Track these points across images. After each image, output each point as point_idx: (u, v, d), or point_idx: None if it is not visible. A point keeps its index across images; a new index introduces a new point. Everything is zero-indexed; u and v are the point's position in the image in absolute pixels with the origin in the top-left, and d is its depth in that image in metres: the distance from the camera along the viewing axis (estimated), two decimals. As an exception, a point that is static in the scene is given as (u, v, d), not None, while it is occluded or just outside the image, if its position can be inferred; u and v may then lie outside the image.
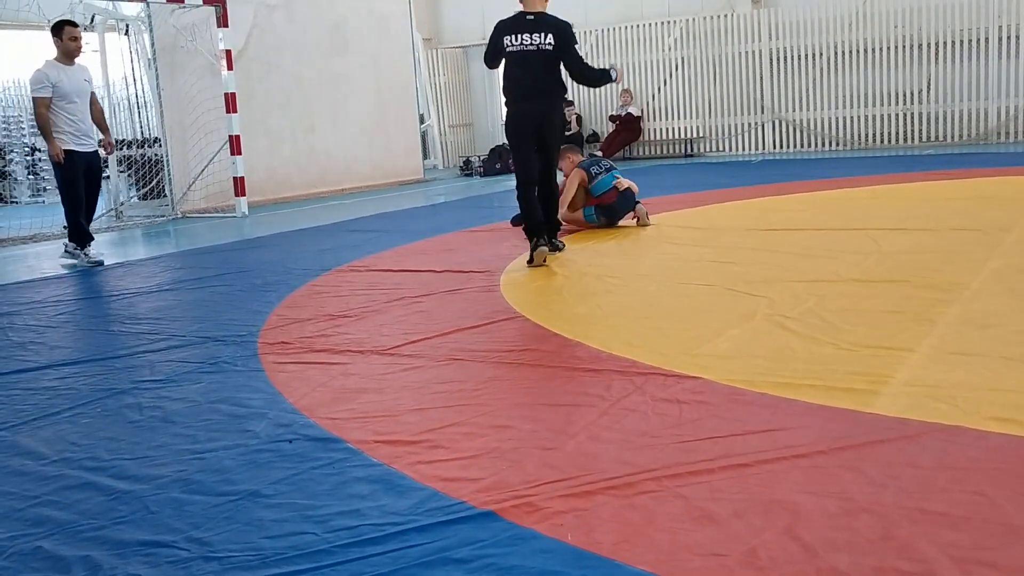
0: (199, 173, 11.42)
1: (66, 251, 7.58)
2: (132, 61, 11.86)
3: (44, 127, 7.18)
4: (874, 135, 14.97)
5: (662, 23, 16.31)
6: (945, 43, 14.12)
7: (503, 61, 6.24)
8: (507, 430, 2.91)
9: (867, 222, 6.69)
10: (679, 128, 16.45)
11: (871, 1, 14.55)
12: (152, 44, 11.21)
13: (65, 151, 7.20)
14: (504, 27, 6.18)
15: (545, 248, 6.03)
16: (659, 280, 5.25)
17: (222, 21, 10.95)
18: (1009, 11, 13.60)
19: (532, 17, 6.10)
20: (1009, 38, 13.70)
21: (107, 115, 9.48)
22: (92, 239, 7.69)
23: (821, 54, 15.04)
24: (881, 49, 14.61)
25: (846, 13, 14.73)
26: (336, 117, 13.85)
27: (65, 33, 7.30)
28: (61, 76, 7.20)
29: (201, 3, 10.84)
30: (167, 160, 11.30)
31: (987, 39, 13.84)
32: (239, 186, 11.02)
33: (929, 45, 14.24)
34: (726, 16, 15.75)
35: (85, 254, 7.50)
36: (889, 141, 14.85)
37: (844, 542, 2.03)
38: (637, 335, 4.02)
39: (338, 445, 2.89)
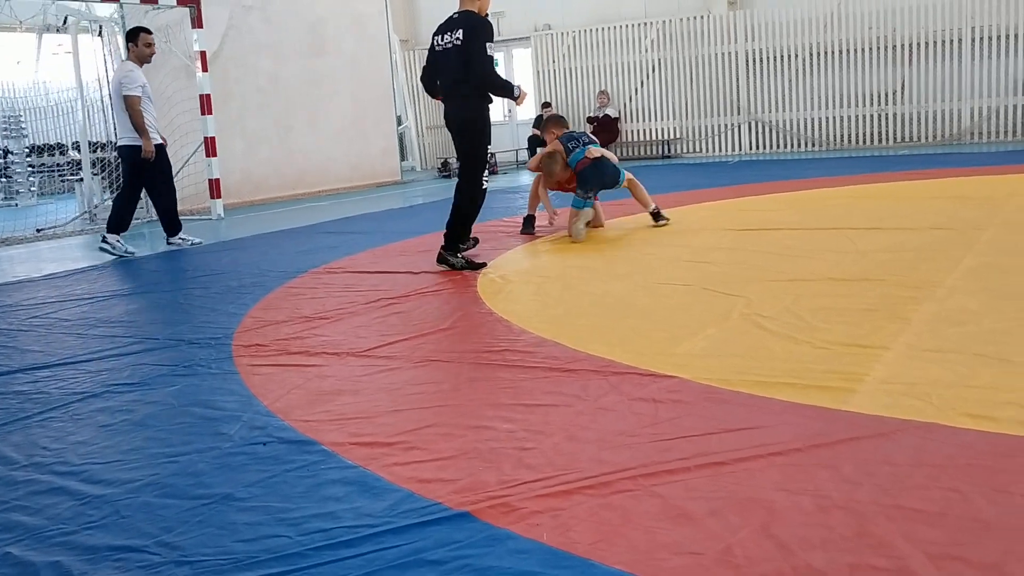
0: (174, 175, 11.30)
1: (105, 243, 7.92)
2: (106, 62, 11.75)
3: (141, 124, 7.78)
4: (849, 136, 15.09)
5: (639, 24, 16.37)
6: (919, 44, 14.26)
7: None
8: (484, 431, 2.89)
9: (843, 221, 6.73)
10: (657, 129, 16.51)
11: (846, 3, 14.66)
12: (126, 45, 11.09)
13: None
14: (436, 31, 6.07)
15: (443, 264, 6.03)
16: (636, 280, 5.25)
17: (197, 22, 10.87)
18: (981, 13, 13.75)
19: (456, 16, 5.96)
20: (982, 39, 13.85)
21: (81, 117, 9.37)
22: (181, 227, 8.46)
23: (796, 55, 15.15)
24: (856, 50, 14.74)
25: (821, 15, 14.84)
26: (313, 119, 13.79)
27: (141, 39, 8.00)
28: (144, 78, 7.93)
29: (175, 4, 10.76)
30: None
31: (960, 40, 13.99)
32: (215, 188, 10.94)
33: (903, 46, 14.38)
34: (702, 18, 15.83)
35: (178, 239, 8.29)
36: (864, 142, 14.97)
37: (820, 539, 2.03)
38: (614, 334, 4.02)
39: (313, 447, 2.87)
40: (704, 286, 4.85)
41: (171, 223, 8.38)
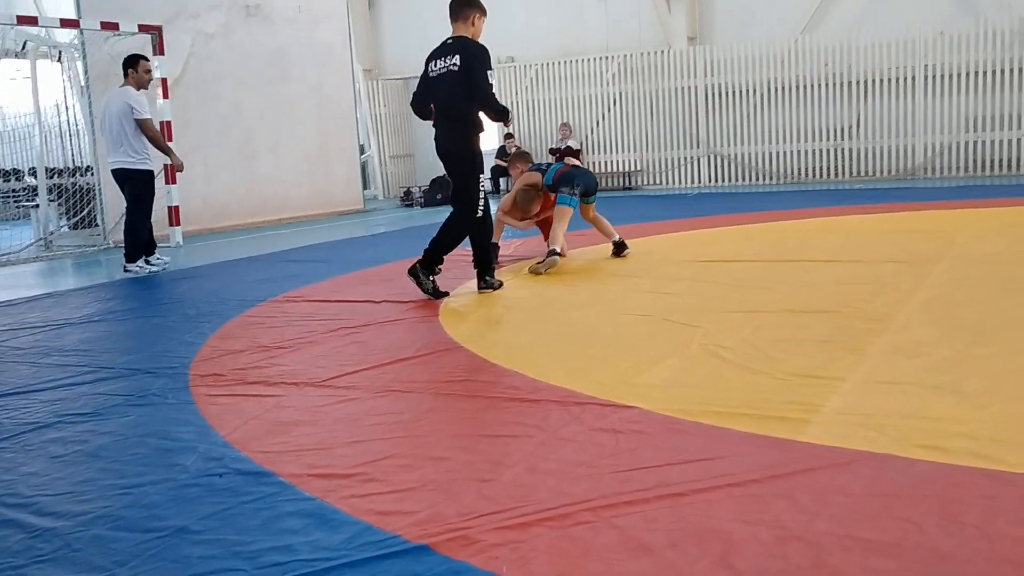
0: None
1: (129, 269, 8.19)
2: (64, 88, 11.65)
3: (163, 142, 8.14)
4: (806, 170, 15.34)
5: (601, 58, 16.55)
6: (874, 81, 14.57)
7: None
8: (444, 462, 2.88)
9: (800, 254, 6.83)
10: (618, 161, 16.67)
11: (802, 40, 14.96)
12: (85, 71, 11.02)
13: (150, 169, 8.14)
14: (430, 55, 6.07)
15: (488, 288, 6.09)
16: (598, 310, 5.28)
17: (158, 49, 10.81)
18: (934, 52, 14.09)
19: (451, 41, 5.97)
20: (935, 77, 14.18)
21: (38, 143, 9.30)
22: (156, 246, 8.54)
23: (755, 91, 15.40)
24: (812, 86, 15.02)
25: (778, 51, 15.12)
26: (276, 146, 13.75)
27: (140, 66, 8.19)
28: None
29: (137, 30, 10.70)
30: (99, 189, 11.07)
31: (914, 78, 14.31)
32: (174, 215, 10.83)
33: (858, 83, 14.68)
34: (663, 52, 16.05)
35: (148, 263, 8.25)
36: (820, 176, 15.22)
37: (777, 570, 2.04)
38: (575, 365, 4.03)
39: (270, 479, 2.83)
40: (664, 317, 4.88)
41: (134, 248, 8.29)
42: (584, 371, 3.89)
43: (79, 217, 11.52)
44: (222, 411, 3.63)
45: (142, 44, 10.99)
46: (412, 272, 6.05)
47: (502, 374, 3.93)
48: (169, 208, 10.82)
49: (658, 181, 16.46)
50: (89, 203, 11.34)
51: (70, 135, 11.69)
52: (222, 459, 3.04)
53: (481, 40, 6.00)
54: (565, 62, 16.87)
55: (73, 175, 11.63)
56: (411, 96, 6.33)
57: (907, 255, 6.43)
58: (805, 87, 15.08)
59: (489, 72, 5.82)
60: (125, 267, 8.26)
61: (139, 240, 8.25)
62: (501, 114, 5.94)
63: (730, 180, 15.94)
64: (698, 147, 16.05)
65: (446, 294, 6.05)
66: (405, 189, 16.81)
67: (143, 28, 10.71)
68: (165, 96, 10.80)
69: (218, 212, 12.75)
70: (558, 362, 4.10)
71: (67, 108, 11.75)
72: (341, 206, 14.88)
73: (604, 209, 7.75)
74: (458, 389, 3.73)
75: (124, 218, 8.34)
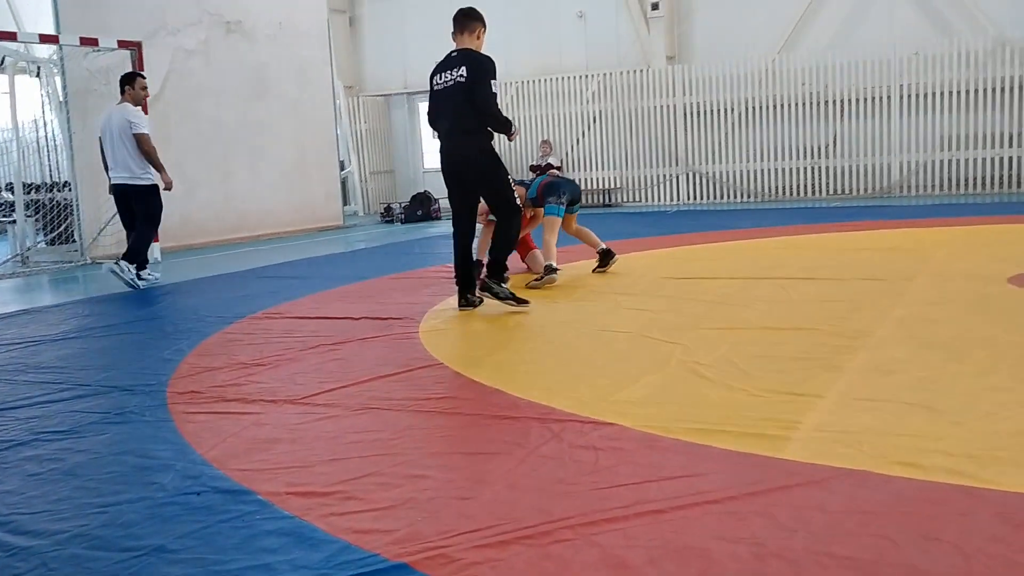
0: (111, 218, 11.13)
1: (139, 277, 8.26)
2: (43, 103, 11.59)
3: (158, 159, 8.19)
4: (783, 188, 15.46)
5: (581, 77, 16.65)
6: (850, 100, 14.73)
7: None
8: (423, 480, 2.87)
9: (777, 271, 6.88)
10: (597, 179, 16.74)
11: (779, 60, 15.11)
12: (64, 87, 10.97)
13: (153, 183, 8.30)
14: (435, 68, 6.04)
15: (468, 306, 6.06)
16: (577, 327, 5.29)
17: (138, 65, 10.78)
18: (909, 71, 14.27)
19: (456, 54, 5.94)
20: (910, 96, 14.36)
21: (15, 158, 9.26)
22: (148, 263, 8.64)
23: (733, 109, 15.53)
24: (789, 105, 15.16)
25: (756, 70, 15.26)
26: (255, 162, 13.72)
27: (138, 83, 8.36)
28: None
29: (116, 46, 10.67)
30: (77, 204, 11.00)
31: (889, 97, 14.48)
32: (152, 231, 10.76)
33: (835, 102, 14.84)
34: (642, 71, 16.17)
35: (141, 276, 8.30)
36: (798, 193, 15.35)
37: (755, 587, 2.05)
38: (555, 382, 4.04)
39: (248, 497, 2.82)
40: (643, 333, 4.91)
41: (139, 256, 8.38)
42: (564, 388, 3.90)
43: (56, 233, 11.43)
44: (200, 429, 3.61)
45: (121, 60, 10.97)
46: (484, 288, 5.99)
47: (482, 391, 3.93)
48: (147, 224, 10.76)
49: (638, 198, 16.54)
50: (66, 219, 11.26)
51: (48, 150, 11.60)
52: (200, 477, 3.03)
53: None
54: (545, 80, 16.95)
55: (51, 191, 11.54)
56: (426, 114, 6.26)
57: (883, 273, 6.49)
58: (782, 106, 15.22)
59: (492, 82, 5.80)
60: (116, 262, 8.21)
61: (143, 249, 8.39)
62: (504, 125, 5.88)
63: (709, 198, 16.04)
64: (677, 165, 16.15)
65: (527, 302, 6.01)
66: (385, 205, 16.81)
67: (122, 44, 10.69)
68: (144, 112, 10.74)
69: (197, 228, 12.70)
70: (538, 379, 4.11)
71: (45, 123, 11.68)
72: (321, 222, 14.85)
73: (585, 225, 7.77)
74: (438, 406, 3.73)
75: (134, 231, 8.45)
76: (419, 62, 18.63)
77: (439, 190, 17.80)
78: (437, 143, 6.16)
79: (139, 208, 8.33)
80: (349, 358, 4.77)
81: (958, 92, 14.04)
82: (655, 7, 15.87)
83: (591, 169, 16.78)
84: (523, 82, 17.11)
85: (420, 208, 15.87)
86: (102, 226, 11.11)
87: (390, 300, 6.66)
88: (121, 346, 5.57)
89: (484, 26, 6.07)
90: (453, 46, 6.06)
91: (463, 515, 2.56)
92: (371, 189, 18.99)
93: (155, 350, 5.32)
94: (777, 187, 15.50)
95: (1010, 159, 13.95)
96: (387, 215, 16.23)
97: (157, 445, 3.43)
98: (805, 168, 15.27)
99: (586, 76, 16.54)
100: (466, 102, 5.79)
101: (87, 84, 11.13)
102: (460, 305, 6.12)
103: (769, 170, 15.53)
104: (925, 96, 14.28)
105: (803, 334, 4.65)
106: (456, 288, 6.17)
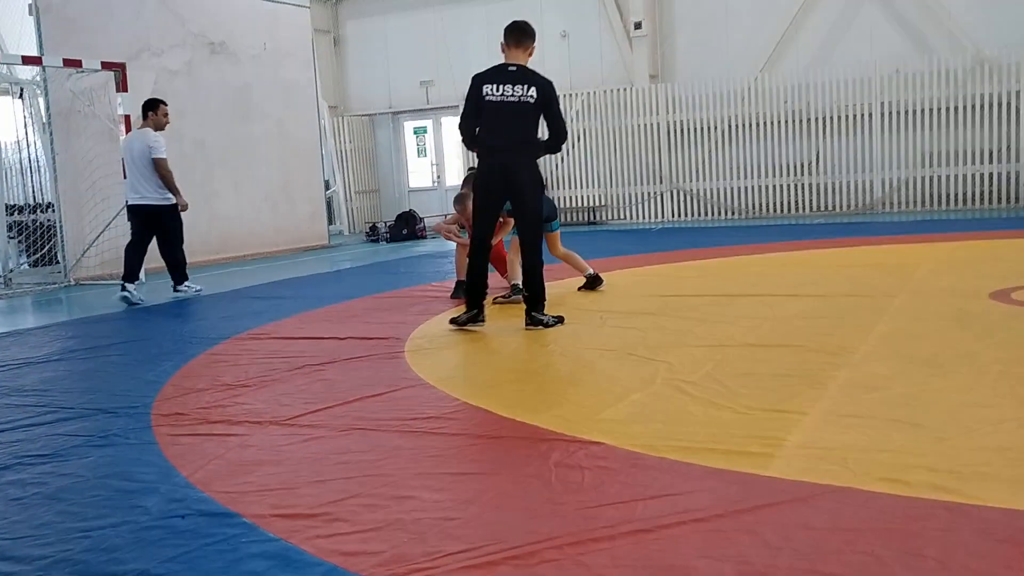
0: (94, 239, 11.10)
1: (176, 289, 8.93)
2: (26, 125, 11.57)
3: (173, 182, 8.58)
4: (767, 205, 15.55)
5: (564, 95, 16.69)
6: (832, 118, 14.85)
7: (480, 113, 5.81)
8: (409, 501, 2.87)
9: (761, 288, 6.91)
10: (582, 196, 16.79)
11: (761, 78, 15.23)
12: (47, 108, 10.95)
13: (173, 203, 8.72)
14: (484, 77, 5.80)
15: (479, 323, 5.94)
16: (562, 345, 5.30)
17: (121, 86, 10.77)
18: (890, 89, 14.41)
19: (515, 68, 5.79)
20: (891, 114, 14.50)
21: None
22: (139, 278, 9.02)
23: (716, 127, 15.63)
24: (772, 123, 15.27)
25: (739, 88, 15.38)
26: (239, 183, 13.70)
27: (160, 110, 8.77)
28: None
29: (100, 68, 10.66)
30: (60, 226, 10.96)
31: (871, 115, 14.61)
32: (136, 252, 10.72)
33: (817, 120, 14.96)
34: (625, 90, 16.26)
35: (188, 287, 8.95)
36: (781, 211, 15.44)
37: (742, 606, 2.05)
38: (540, 401, 4.04)
39: (234, 520, 2.80)
40: (628, 351, 4.92)
41: (180, 271, 8.97)
42: (549, 407, 3.90)
43: (39, 254, 11.38)
44: (184, 451, 3.59)
45: (105, 81, 10.96)
46: (533, 322, 5.88)
47: (468, 411, 3.93)
48: (131, 245, 10.72)
49: (622, 216, 16.60)
50: (50, 240, 11.21)
51: (31, 171, 11.56)
52: (184, 500, 3.01)
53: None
54: (529, 99, 17.01)
55: (34, 212, 11.50)
56: (461, 116, 5.91)
57: (866, 289, 6.53)
58: (765, 124, 15.33)
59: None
60: (175, 288, 8.93)
61: (182, 263, 8.96)
62: (559, 149, 6.13)
63: (693, 215, 16.12)
64: (661, 183, 16.23)
65: (562, 317, 5.99)
66: (371, 224, 16.81)
67: (106, 65, 10.68)
68: (128, 133, 10.73)
69: (181, 249, 12.64)
70: (523, 398, 4.11)
71: (28, 145, 11.65)
72: (306, 242, 14.83)
73: (569, 244, 7.79)
74: (424, 426, 3.72)
75: (129, 250, 8.87)
76: (403, 81, 18.71)
77: (424, 209, 17.94)
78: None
79: (162, 228, 8.78)
80: (334, 378, 4.76)
81: (938, 109, 14.18)
82: (638, 26, 15.99)
83: (575, 187, 16.84)
84: (507, 101, 17.16)
85: (405, 227, 15.88)
86: (85, 247, 11.06)
87: (375, 320, 6.65)
88: (105, 368, 5.54)
89: (535, 42, 6.00)
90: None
91: (449, 536, 2.55)
92: (356, 208, 18.99)
93: (139, 372, 5.29)
94: (761, 204, 15.59)
95: (990, 175, 14.09)
96: (372, 234, 16.23)
97: (141, 468, 3.41)
98: (788, 185, 15.38)
99: (570, 95, 16.61)
100: (533, 121, 5.80)
101: (70, 105, 11.11)
102: (473, 321, 5.96)
103: (753, 187, 15.62)
104: (906, 113, 14.41)
105: (787, 351, 4.67)
106: (464, 303, 6.05)
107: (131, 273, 8.75)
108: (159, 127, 8.77)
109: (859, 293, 6.38)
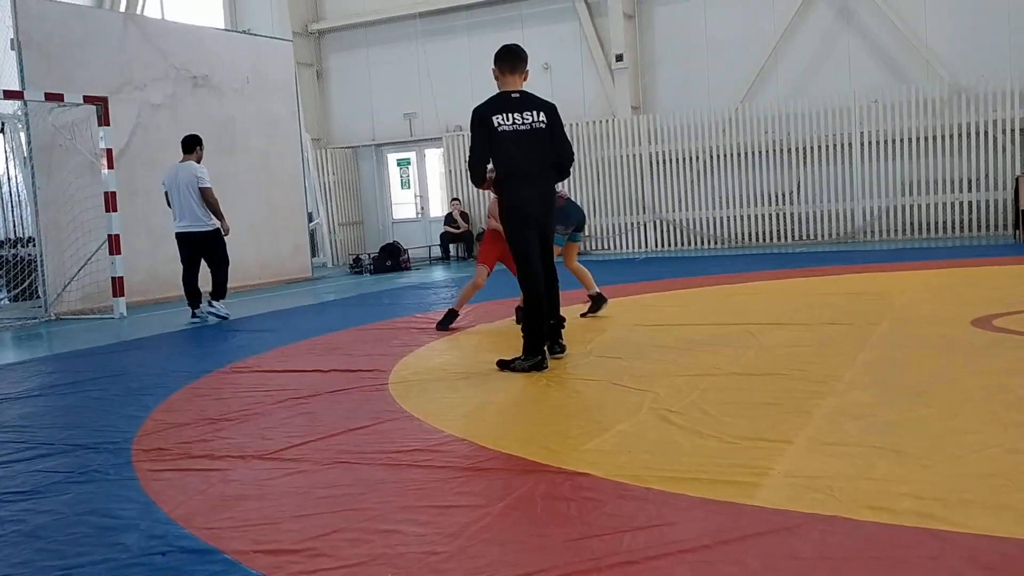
0: (75, 273, 11.03)
1: (213, 308, 9.56)
2: (7, 159, 11.52)
3: (219, 209, 9.48)
4: (749, 234, 15.65)
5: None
6: (812, 148, 15.00)
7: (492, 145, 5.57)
8: (393, 535, 2.84)
9: (745, 317, 6.93)
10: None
11: (742, 108, 15.38)
12: (29, 142, 10.92)
13: (216, 228, 9.54)
14: (489, 108, 5.60)
15: (546, 364, 5.49)
16: (546, 375, 5.28)
17: (104, 120, 10.76)
18: (868, 119, 14.59)
19: (518, 96, 5.64)
20: (870, 143, 14.66)
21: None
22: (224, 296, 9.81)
23: (698, 158, 15.76)
24: (754, 153, 15.41)
25: (720, 119, 15.52)
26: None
27: (202, 147, 9.72)
28: None
29: (82, 101, 10.65)
30: (41, 260, 10.89)
31: (850, 144, 14.77)
32: (118, 286, 10.68)
33: (797, 149, 15.11)
34: (608, 121, 16.39)
35: (218, 306, 9.60)
36: (763, 240, 15.53)
37: (730, 637, 2.03)
38: (526, 432, 4.02)
39: (215, 556, 2.76)
40: (613, 381, 4.91)
41: (221, 290, 9.67)
42: (535, 438, 3.88)
43: (20, 289, 11.29)
44: (166, 487, 3.55)
45: (87, 115, 10.95)
46: (557, 350, 5.82)
47: (452, 443, 3.91)
48: (113, 279, 10.68)
49: (606, 246, 16.65)
50: (30, 275, 11.13)
51: (12, 205, 11.49)
52: (165, 537, 2.97)
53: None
54: (512, 130, 17.11)
55: (14, 246, 11.42)
56: (470, 155, 5.70)
57: (849, 317, 6.56)
58: (746, 154, 15.47)
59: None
60: (210, 302, 9.56)
61: (225, 283, 9.71)
62: (567, 176, 6.08)
63: (676, 245, 16.19)
64: (644, 212, 16.31)
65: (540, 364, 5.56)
66: (354, 256, 16.79)
67: (88, 99, 10.67)
68: (110, 167, 10.72)
69: (163, 283, 12.57)
70: (509, 429, 4.09)
71: (9, 179, 11.59)
72: (289, 274, 14.79)
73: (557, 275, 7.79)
74: (408, 459, 3.69)
75: (185, 275, 9.73)
76: (386, 113, 18.78)
77: (408, 240, 17.94)
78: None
79: (208, 251, 9.58)
80: (318, 411, 4.72)
81: (916, 139, 14.36)
82: (619, 59, 16.14)
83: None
84: (490, 133, 17.25)
85: (389, 259, 15.86)
86: (67, 282, 10.99)
87: (359, 352, 6.62)
88: (85, 403, 5.49)
89: (527, 64, 5.86)
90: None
91: (434, 570, 2.52)
92: (340, 240, 18.98)
93: (120, 407, 5.24)
94: (743, 233, 15.69)
95: (969, 203, 14.23)
96: (356, 266, 16.20)
97: (121, 504, 3.36)
98: (770, 214, 15.49)
99: (553, 126, 16.71)
100: (548, 147, 5.66)
101: (52, 139, 11.09)
102: (552, 354, 5.73)
103: (735, 217, 15.72)
104: (885, 143, 14.58)
105: (772, 379, 4.68)
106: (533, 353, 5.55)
107: (193, 299, 9.62)
108: (200, 161, 9.55)
109: (842, 321, 6.40)
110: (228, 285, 9.76)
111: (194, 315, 9.56)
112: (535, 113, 5.61)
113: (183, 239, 9.55)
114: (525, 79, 5.78)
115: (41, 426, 4.91)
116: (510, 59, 5.71)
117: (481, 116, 5.60)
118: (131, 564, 2.75)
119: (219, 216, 9.46)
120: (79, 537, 3.04)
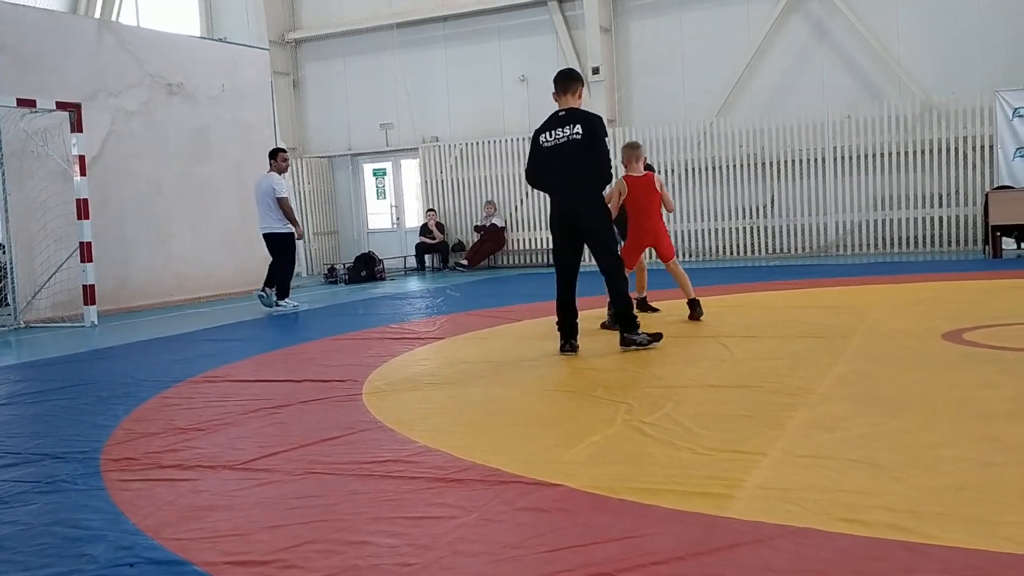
0: (46, 281, 10.90)
1: (278, 304, 10.79)
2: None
3: (293, 216, 10.79)
4: (723, 247, 15.74)
5: (523, 138, 16.83)
6: (786, 162, 15.12)
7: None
8: (365, 546, 2.81)
9: (719, 330, 6.96)
10: (541, 239, 16.86)
11: (717, 122, 15.49)
12: (0, 148, 10.78)
13: (291, 232, 10.69)
14: (541, 128, 6.33)
15: (571, 351, 6.23)
16: (522, 386, 5.27)
17: (76, 126, 10.65)
18: (841, 135, 14.73)
19: (564, 113, 6.23)
20: (843, 159, 14.80)
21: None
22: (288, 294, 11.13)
23: (672, 171, 15.83)
24: (727, 167, 15.51)
25: (694, 133, 15.62)
26: (196, 224, 13.56)
27: (280, 156, 10.87)
28: None
29: (55, 108, 10.54)
30: (11, 267, 10.75)
31: (824, 159, 14.90)
32: (88, 294, 10.55)
33: (772, 164, 15.22)
34: (584, 133, 16.41)
35: (279, 304, 10.81)
36: (737, 253, 15.62)
37: (703, 650, 2.03)
38: (501, 442, 4.00)
39: (184, 568, 2.72)
40: (588, 392, 4.91)
41: (283, 290, 10.87)
42: (509, 449, 3.86)
43: (-12, 296, 11.13)
44: (134, 497, 3.49)
45: (59, 121, 10.83)
46: (625, 343, 6.21)
47: (426, 453, 3.88)
48: (84, 287, 10.55)
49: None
50: (0, 281, 10.98)
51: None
52: (133, 548, 2.92)
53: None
54: (489, 142, 17.13)
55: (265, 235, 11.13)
56: (526, 172, 6.58)
57: (822, 330, 6.60)
58: (720, 168, 15.56)
59: (606, 139, 6.18)
60: (277, 302, 10.73)
61: (287, 283, 10.92)
62: (608, 183, 6.37)
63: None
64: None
65: (660, 335, 6.29)
66: (329, 266, 16.71)
67: (61, 105, 10.56)
68: (82, 174, 10.60)
69: (135, 291, 12.47)
70: (483, 440, 4.07)
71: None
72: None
73: (532, 286, 7.79)
74: (380, 470, 3.67)
75: (273, 267, 10.85)
76: (362, 123, 18.74)
77: (383, 250, 17.89)
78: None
79: (278, 251, 10.69)
80: (290, 421, 4.68)
81: (889, 154, 14.50)
82: (595, 72, 16.21)
83: (534, 229, 16.92)
84: (467, 143, 17.27)
85: (364, 269, 15.79)
86: (37, 289, 10.85)
87: (332, 362, 6.58)
88: (54, 412, 5.41)
89: (583, 85, 6.39)
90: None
91: (407, 582, 2.50)
92: (315, 250, 18.89)
93: (89, 416, 5.17)
94: (717, 247, 15.77)
95: (940, 219, 14.39)
96: (331, 276, 16.13)
97: (89, 515, 3.31)
98: (744, 228, 15.58)
99: (529, 138, 16.73)
100: (582, 157, 6.09)
101: (24, 145, 10.96)
102: (563, 350, 6.29)
103: (709, 230, 15.80)
104: (858, 158, 14.71)
105: (746, 392, 4.69)
106: (559, 333, 6.40)
107: (282, 289, 10.85)
108: (280, 171, 10.70)
109: (815, 334, 6.44)
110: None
111: (277, 304, 10.78)
112: (572, 126, 6.11)
113: (264, 238, 10.78)
114: (579, 96, 6.31)
115: (8, 435, 4.83)
116: (563, 81, 6.35)
117: (534, 134, 6.42)
118: (98, 575, 2.70)
119: (293, 222, 10.66)
120: (45, 548, 2.98)
